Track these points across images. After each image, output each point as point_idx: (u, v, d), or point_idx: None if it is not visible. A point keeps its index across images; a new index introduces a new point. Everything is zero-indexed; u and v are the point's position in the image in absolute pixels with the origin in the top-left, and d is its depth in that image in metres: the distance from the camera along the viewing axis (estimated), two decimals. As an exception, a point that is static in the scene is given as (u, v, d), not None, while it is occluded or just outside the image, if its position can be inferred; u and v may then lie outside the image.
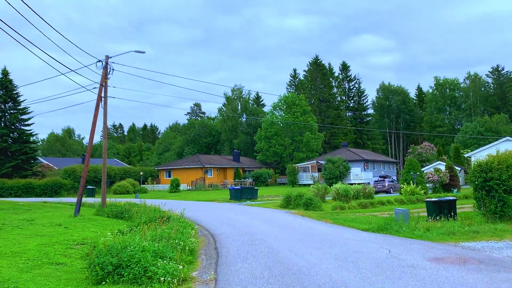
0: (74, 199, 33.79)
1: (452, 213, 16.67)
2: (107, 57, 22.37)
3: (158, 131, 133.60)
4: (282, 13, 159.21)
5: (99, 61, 22.31)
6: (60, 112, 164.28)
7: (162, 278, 7.04)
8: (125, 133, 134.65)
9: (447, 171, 37.89)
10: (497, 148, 49.26)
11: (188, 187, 52.21)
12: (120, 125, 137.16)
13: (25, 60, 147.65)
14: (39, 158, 61.81)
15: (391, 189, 42.64)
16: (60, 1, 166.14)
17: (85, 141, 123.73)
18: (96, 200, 28.64)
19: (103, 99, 22.18)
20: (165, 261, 7.66)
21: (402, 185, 31.05)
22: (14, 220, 18.07)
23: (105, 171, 22.10)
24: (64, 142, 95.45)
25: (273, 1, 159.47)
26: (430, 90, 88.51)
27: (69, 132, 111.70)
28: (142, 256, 7.43)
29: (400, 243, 10.09)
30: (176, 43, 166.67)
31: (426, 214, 18.89)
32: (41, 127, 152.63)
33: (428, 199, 17.43)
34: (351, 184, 32.38)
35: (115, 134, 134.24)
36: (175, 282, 7.10)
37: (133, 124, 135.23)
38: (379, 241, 10.49)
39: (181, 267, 7.56)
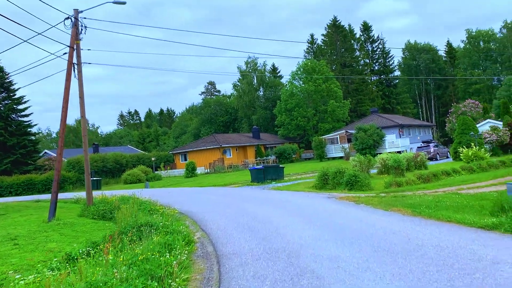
0: (76, 194, 29.43)
1: None
2: (76, 12, 17.17)
3: (175, 115, 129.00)
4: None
5: (68, 17, 17.17)
6: (74, 104, 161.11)
7: None
8: (142, 119, 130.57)
9: (507, 129, 31.87)
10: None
11: (206, 170, 47.41)
12: (136, 112, 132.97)
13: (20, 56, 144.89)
14: (47, 151, 58.01)
15: (437, 155, 36.99)
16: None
17: (100, 130, 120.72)
18: (102, 193, 23.56)
19: (75, 66, 17.12)
20: None
21: (461, 149, 25.28)
22: (-35, 233, 13.62)
23: (88, 160, 17.20)
24: (77, 133, 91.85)
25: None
26: (462, 45, 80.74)
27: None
28: None
29: None
30: (184, 25, 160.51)
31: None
32: (53, 120, 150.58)
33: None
34: (392, 153, 26.82)
35: (131, 121, 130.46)
36: None
37: (150, 110, 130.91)
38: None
39: None
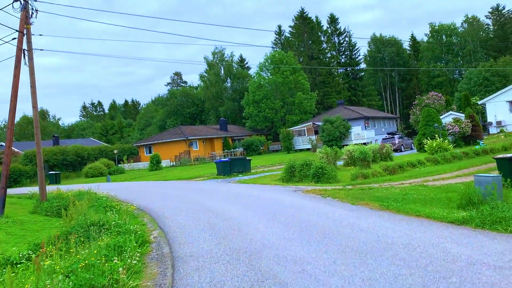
0: (32, 188, 27.91)
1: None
2: (26, -7, 15.96)
3: (140, 106, 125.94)
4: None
5: (16, 0, 15.96)
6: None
7: None
8: (106, 111, 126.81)
9: (469, 121, 32.54)
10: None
11: (172, 163, 46.36)
12: (100, 103, 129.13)
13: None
14: (3, 143, 55.34)
15: (402, 147, 37.53)
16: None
17: (61, 122, 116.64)
18: (58, 187, 22.05)
19: (26, 52, 15.95)
20: None
21: (425, 140, 25.56)
22: None
23: (40, 153, 16.12)
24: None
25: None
26: (425, 39, 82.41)
27: (43, 113, 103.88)
28: None
29: None
30: (150, 14, 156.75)
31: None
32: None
33: (501, 156, 11.92)
34: (358, 145, 26.85)
35: (95, 113, 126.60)
36: None
37: (114, 101, 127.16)
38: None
39: None
